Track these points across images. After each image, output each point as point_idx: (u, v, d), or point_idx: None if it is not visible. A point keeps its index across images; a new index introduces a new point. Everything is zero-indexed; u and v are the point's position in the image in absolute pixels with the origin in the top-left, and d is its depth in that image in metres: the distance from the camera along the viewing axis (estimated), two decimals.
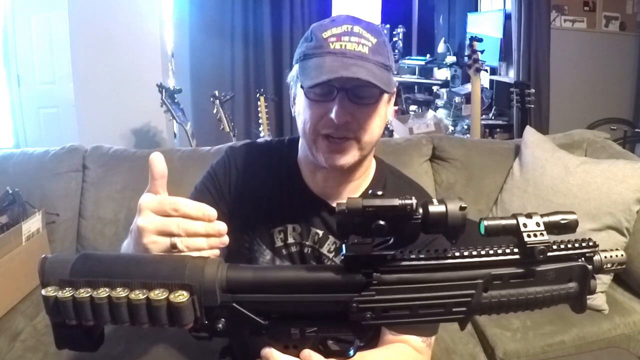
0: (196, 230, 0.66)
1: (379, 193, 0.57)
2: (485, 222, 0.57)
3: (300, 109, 0.96)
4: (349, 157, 0.94)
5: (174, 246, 0.66)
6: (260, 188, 1.07)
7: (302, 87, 0.92)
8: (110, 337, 1.50)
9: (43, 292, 0.59)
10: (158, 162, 0.71)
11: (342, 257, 0.60)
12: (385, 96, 0.96)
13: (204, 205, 0.67)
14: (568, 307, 0.63)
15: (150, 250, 0.67)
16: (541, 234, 0.58)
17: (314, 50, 0.91)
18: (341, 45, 0.89)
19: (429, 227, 0.57)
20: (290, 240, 1.06)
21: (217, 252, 0.68)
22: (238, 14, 3.74)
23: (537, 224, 0.58)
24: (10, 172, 1.90)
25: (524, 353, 1.54)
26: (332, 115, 0.89)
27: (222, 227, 0.68)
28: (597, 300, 1.64)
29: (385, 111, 0.98)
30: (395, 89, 1.01)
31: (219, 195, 1.07)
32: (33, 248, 1.71)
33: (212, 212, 0.67)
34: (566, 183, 1.76)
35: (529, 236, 0.57)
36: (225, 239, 0.68)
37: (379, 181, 1.09)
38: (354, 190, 1.06)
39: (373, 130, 0.94)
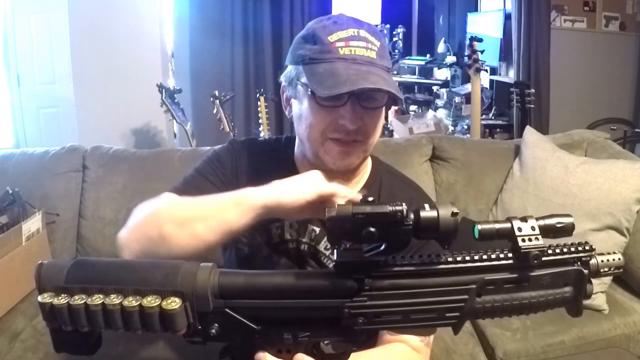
0: None
1: (370, 199, 0.56)
2: (479, 227, 0.57)
3: (305, 113, 0.96)
4: (354, 159, 0.97)
5: None
6: (259, 182, 1.07)
7: (312, 93, 0.90)
8: (110, 338, 1.50)
9: (39, 298, 0.60)
10: None
11: (334, 263, 0.60)
12: None
13: None
14: None
15: None
16: (536, 238, 0.57)
17: (321, 55, 0.91)
18: (350, 51, 0.89)
19: (420, 233, 0.56)
20: (287, 236, 1.06)
21: None
22: (238, 14, 3.73)
23: (532, 228, 0.57)
24: (10, 172, 1.90)
25: (524, 353, 1.53)
26: (345, 122, 0.90)
27: None
28: (597, 300, 1.64)
29: (383, 112, 1.00)
30: None
31: (225, 180, 1.06)
32: (33, 248, 1.71)
33: None
34: (566, 183, 1.76)
35: (523, 240, 0.57)
36: None
37: (375, 180, 1.10)
38: (350, 188, 1.06)
39: (377, 133, 0.98)
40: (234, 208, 0.79)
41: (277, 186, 0.81)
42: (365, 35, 0.91)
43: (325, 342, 0.64)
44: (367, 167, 1.10)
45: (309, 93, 0.92)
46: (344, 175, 1.02)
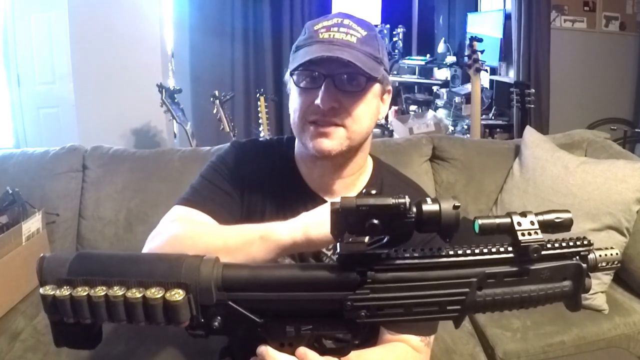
0: None
1: (373, 192, 0.57)
2: (480, 221, 0.57)
3: (292, 100, 0.99)
4: (336, 143, 0.95)
5: None
6: (263, 183, 1.07)
7: (291, 75, 0.95)
8: (110, 337, 1.50)
9: (41, 290, 0.60)
10: None
11: (337, 256, 0.60)
12: (376, 88, 0.98)
13: None
14: None
15: None
16: (535, 233, 0.58)
17: (304, 41, 0.95)
18: (330, 35, 0.92)
19: (422, 226, 0.57)
20: None
21: None
22: (238, 14, 3.74)
23: (532, 223, 0.58)
24: (10, 172, 1.90)
25: (524, 353, 1.53)
26: (318, 101, 0.91)
27: None
28: (597, 300, 1.64)
29: (376, 104, 1.00)
30: (390, 86, 1.03)
31: (233, 184, 1.06)
32: (33, 248, 1.71)
33: None
34: (566, 183, 1.76)
35: (523, 235, 0.58)
36: None
37: (376, 180, 1.10)
38: (350, 186, 1.06)
39: (361, 119, 0.95)
40: (261, 244, 0.79)
41: (304, 221, 0.80)
42: (349, 24, 0.94)
43: (328, 337, 0.65)
44: (368, 167, 1.11)
45: (291, 77, 0.96)
46: (338, 168, 1.03)
